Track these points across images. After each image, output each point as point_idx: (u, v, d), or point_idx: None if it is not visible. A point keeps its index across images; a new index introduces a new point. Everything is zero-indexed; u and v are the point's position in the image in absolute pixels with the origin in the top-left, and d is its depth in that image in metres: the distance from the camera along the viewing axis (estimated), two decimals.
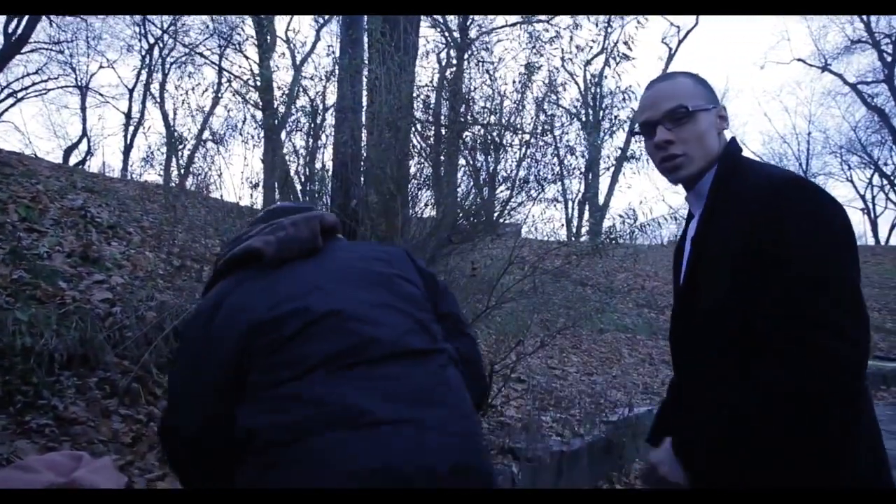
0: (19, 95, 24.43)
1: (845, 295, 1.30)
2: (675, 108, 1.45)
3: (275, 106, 4.59)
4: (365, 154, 3.72)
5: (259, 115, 4.65)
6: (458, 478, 1.22)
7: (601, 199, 23.41)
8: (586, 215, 21.82)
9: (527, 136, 4.19)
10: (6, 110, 25.21)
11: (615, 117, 4.97)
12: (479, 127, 4.24)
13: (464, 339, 1.60)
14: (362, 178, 3.78)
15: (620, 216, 4.14)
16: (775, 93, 68.77)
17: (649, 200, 5.24)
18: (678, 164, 1.49)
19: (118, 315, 3.88)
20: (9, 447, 2.85)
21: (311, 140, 4.36)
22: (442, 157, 4.31)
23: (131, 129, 24.91)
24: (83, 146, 25.97)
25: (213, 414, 1.34)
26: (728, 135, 1.55)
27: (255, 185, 3.78)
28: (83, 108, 25.31)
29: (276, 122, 4.62)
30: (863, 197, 34.12)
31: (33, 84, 24.21)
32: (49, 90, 24.93)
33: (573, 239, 13.81)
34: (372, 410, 1.21)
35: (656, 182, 24.84)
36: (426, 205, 4.04)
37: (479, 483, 1.27)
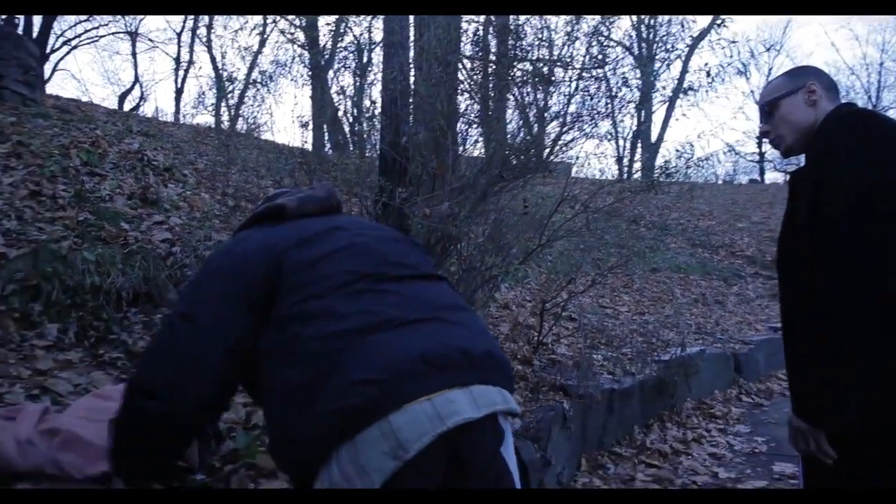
0: (73, 43, 24.86)
1: (862, 220, 1.49)
2: (762, 107, 1.91)
3: (321, 45, 4.55)
4: (413, 90, 3.66)
5: (306, 54, 4.62)
6: (490, 361, 1.35)
7: (654, 135, 22.76)
8: (638, 152, 21.29)
9: (577, 71, 4.06)
10: (62, 58, 25.73)
11: (671, 47, 4.77)
12: (529, 62, 4.12)
13: None
14: (411, 115, 3.73)
15: (677, 150, 4.01)
16: (844, 20, 64.29)
17: (705, 135, 5.04)
18: (775, 145, 1.91)
19: (178, 254, 4.00)
20: (86, 378, 3.02)
21: (357, 78, 4.33)
22: (490, 93, 4.22)
23: (181, 73, 25.18)
24: (136, 92, 26.44)
25: (242, 335, 1.39)
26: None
27: (305, 125, 3.78)
28: (134, 54, 25.66)
29: (323, 61, 4.59)
30: None
31: (85, 31, 24.53)
32: (101, 37, 25.24)
33: (625, 176, 13.52)
34: (400, 316, 1.33)
35: (712, 117, 23.98)
36: (476, 142, 3.97)
37: (506, 374, 1.40)
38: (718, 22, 4.39)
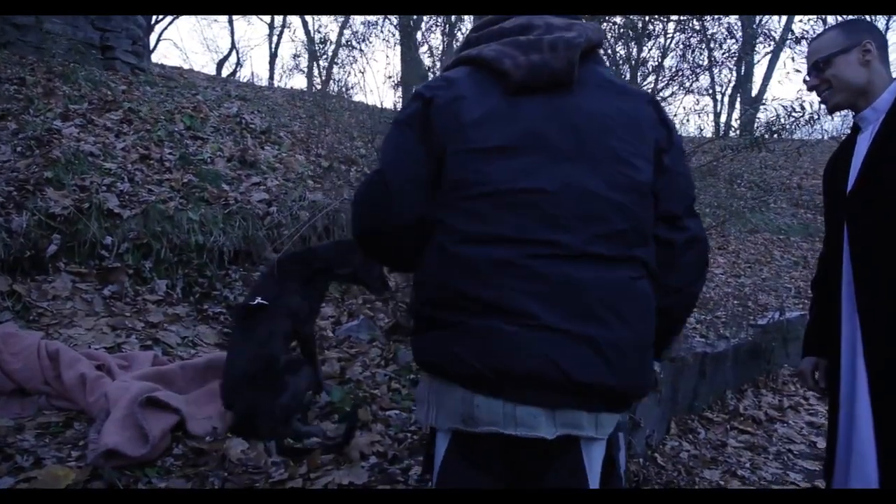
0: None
1: None
2: (815, 62, 1.86)
3: None
4: None
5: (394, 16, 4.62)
6: (598, 390, 1.19)
7: (754, 90, 21.49)
8: (737, 108, 20.19)
9: (674, 23, 3.86)
10: (165, 28, 26.87)
11: None
12: (621, 15, 3.96)
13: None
14: None
15: (784, 107, 3.76)
16: None
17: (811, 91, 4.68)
18: (824, 99, 1.89)
19: (275, 214, 4.17)
20: (193, 331, 3.24)
21: (446, 37, 4.30)
22: None
23: (275, 37, 25.79)
24: (233, 58, 27.36)
25: (423, 212, 1.30)
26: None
27: (398, 85, 3.80)
28: (230, 21, 26.44)
29: (412, 22, 4.58)
30: None
31: None
32: None
33: (721, 133, 12.89)
34: (538, 315, 1.17)
35: None
36: None
37: (616, 402, 1.24)
38: None
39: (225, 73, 23.95)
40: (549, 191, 1.21)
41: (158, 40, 26.03)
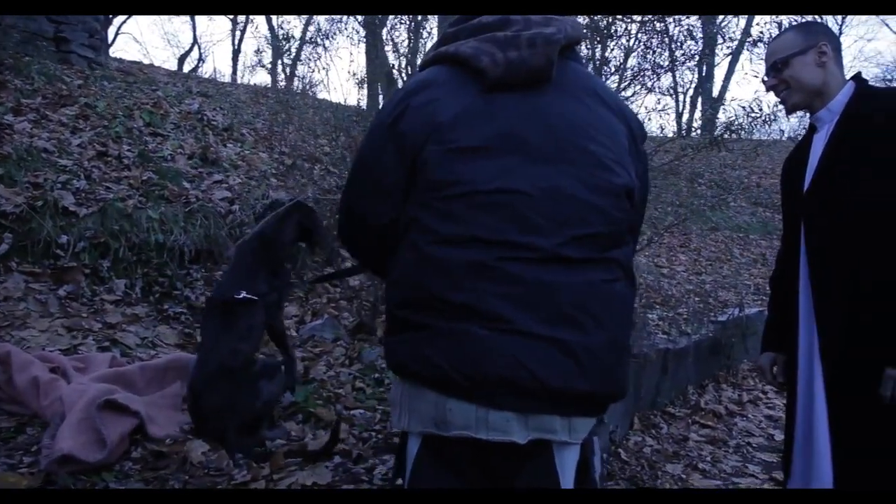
0: None
1: None
2: (773, 63, 1.91)
3: None
4: None
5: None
6: (571, 397, 1.19)
7: (715, 91, 21.90)
8: (698, 108, 20.56)
9: (637, 24, 3.91)
10: (124, 22, 26.24)
11: None
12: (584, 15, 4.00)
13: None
14: None
15: (743, 107, 3.84)
16: None
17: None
18: (782, 99, 1.92)
19: (237, 213, 4.11)
20: (152, 332, 3.17)
21: (412, 34, 4.29)
22: None
23: (238, 33, 25.43)
24: (195, 54, 26.88)
25: (397, 214, 1.29)
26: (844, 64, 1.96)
27: (362, 83, 3.77)
28: (192, 16, 26.00)
29: (377, 19, 4.56)
30: None
31: None
32: None
33: (683, 134, 13.11)
34: (503, 316, 1.16)
35: None
36: None
37: (592, 406, 1.25)
38: None
39: (186, 68, 23.52)
40: (523, 192, 1.19)
41: (117, 34, 25.42)
